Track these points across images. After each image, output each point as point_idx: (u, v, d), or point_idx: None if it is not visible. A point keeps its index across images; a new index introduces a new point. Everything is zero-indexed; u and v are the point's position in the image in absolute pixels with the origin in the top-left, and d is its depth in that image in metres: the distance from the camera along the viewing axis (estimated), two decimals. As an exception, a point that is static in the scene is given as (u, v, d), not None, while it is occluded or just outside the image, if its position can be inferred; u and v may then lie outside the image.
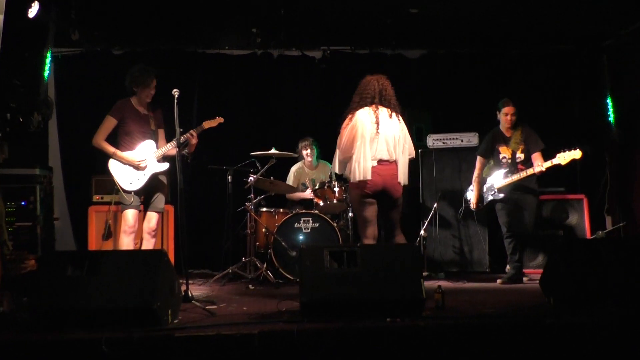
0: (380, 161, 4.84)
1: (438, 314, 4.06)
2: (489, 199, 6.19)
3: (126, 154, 5.25)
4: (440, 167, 7.03)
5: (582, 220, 6.74)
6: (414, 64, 8.03)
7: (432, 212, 6.78)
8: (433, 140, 7.05)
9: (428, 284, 5.11)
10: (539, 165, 5.85)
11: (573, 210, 6.79)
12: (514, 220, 6.05)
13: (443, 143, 7.04)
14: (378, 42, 7.84)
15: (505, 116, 6.11)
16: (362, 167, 4.80)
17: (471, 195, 6.37)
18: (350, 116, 4.94)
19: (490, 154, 6.24)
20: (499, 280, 6.03)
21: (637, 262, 4.00)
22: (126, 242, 5.19)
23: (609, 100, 7.64)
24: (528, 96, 7.54)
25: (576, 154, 5.73)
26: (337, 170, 5.07)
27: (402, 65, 7.96)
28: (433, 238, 6.85)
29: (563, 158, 5.76)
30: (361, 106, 4.92)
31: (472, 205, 6.33)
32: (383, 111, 4.91)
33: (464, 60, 7.99)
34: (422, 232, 6.67)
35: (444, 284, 5.77)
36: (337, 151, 5.00)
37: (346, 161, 4.95)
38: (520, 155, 6.09)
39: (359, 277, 3.89)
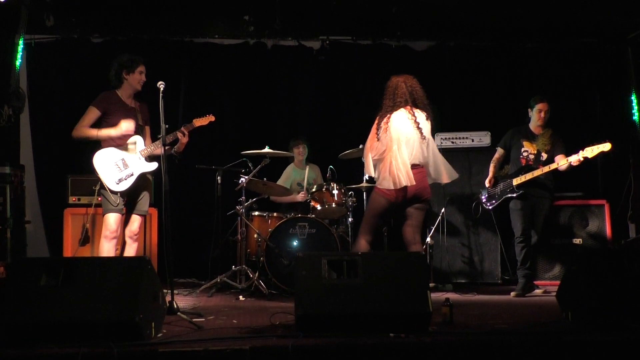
0: (413, 166, 4.95)
1: (446, 330, 4.06)
2: (504, 197, 6.23)
3: (111, 130, 5.21)
4: (449, 169, 7.02)
5: (603, 227, 6.76)
6: (421, 57, 8.05)
7: (440, 218, 6.79)
8: (441, 140, 7.06)
9: (435, 296, 5.12)
10: (565, 160, 5.92)
11: (593, 216, 6.81)
12: (527, 223, 6.14)
13: (452, 143, 7.06)
14: (382, 32, 7.87)
15: (538, 113, 6.26)
16: (398, 175, 4.86)
17: (485, 192, 6.47)
18: (385, 119, 4.99)
19: (510, 148, 6.38)
20: (512, 293, 6.05)
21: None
22: (107, 249, 5.19)
23: (633, 98, 7.67)
24: (545, 93, 7.55)
25: (605, 146, 5.77)
26: (371, 173, 5.09)
27: (408, 57, 7.98)
28: (440, 246, 6.86)
29: (590, 151, 5.81)
30: (396, 109, 5.00)
31: (487, 182, 6.38)
32: (419, 114, 5.02)
33: (476, 53, 8.01)
34: (428, 239, 6.69)
35: (452, 296, 5.78)
36: (369, 153, 5.06)
37: (377, 163, 5.02)
38: (544, 155, 6.20)
39: (360, 288, 3.89)
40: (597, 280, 4.02)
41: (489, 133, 7.08)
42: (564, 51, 7.94)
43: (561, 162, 5.95)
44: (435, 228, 6.78)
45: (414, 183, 4.87)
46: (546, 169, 6.01)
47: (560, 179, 6.24)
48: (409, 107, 5.00)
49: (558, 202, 6.77)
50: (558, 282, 4.65)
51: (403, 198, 4.95)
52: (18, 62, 7.02)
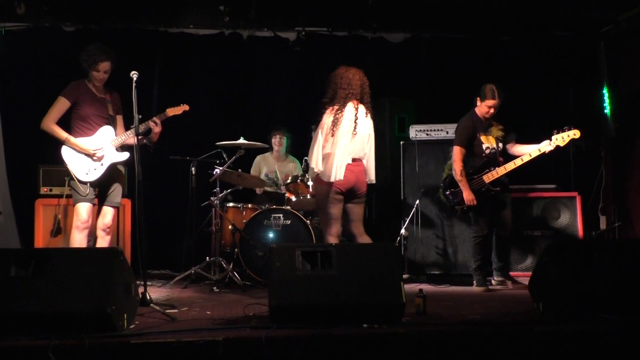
0: (353, 159, 5.15)
1: (419, 320, 4.09)
2: (479, 197, 5.92)
3: (81, 141, 5.18)
4: (424, 161, 7.06)
5: (574, 219, 6.84)
6: (397, 49, 8.06)
7: (414, 209, 6.82)
8: (416, 132, 7.09)
9: (409, 287, 5.14)
10: (537, 150, 5.82)
11: (565, 209, 6.89)
12: (491, 220, 6.02)
13: (427, 135, 7.08)
14: (358, 24, 7.86)
15: (488, 108, 5.98)
16: (339, 166, 5.05)
17: (454, 195, 6.07)
18: (339, 110, 5.08)
19: (469, 144, 6.06)
20: (480, 289, 5.92)
21: (632, 265, 4.08)
22: (78, 239, 5.13)
23: (605, 91, 7.77)
24: (519, 86, 7.63)
25: (574, 133, 5.76)
26: (318, 166, 5.09)
27: (384, 49, 7.99)
28: (415, 238, 6.89)
29: (561, 139, 5.79)
30: (348, 101, 5.11)
31: (470, 202, 5.91)
32: (361, 109, 5.18)
33: (451, 45, 8.04)
34: (402, 231, 6.72)
35: (426, 287, 5.82)
36: (318, 145, 5.08)
37: (325, 157, 5.10)
38: (499, 146, 6.06)
39: (334, 279, 3.89)
40: (568, 271, 4.07)
41: (464, 125, 7.10)
42: (538, 44, 8.00)
43: (533, 153, 5.84)
44: (409, 220, 6.81)
45: (342, 178, 5.05)
46: (519, 162, 5.86)
47: (534, 172, 6.28)
48: (355, 101, 5.13)
49: (531, 194, 6.84)
50: (530, 273, 4.70)
51: (345, 188, 5.11)
52: (-13, 51, 6.92)
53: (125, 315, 3.75)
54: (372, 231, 7.37)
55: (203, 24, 7.73)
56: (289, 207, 6.39)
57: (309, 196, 6.42)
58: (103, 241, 5.30)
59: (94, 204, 5.25)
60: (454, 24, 7.73)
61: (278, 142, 7.29)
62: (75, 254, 4.05)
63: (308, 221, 6.31)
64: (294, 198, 6.47)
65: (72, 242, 5.16)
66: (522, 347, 3.59)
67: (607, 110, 7.72)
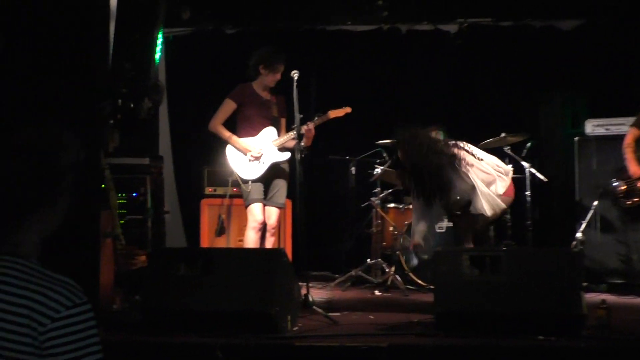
0: None
1: (602, 334, 3.82)
2: None
3: (242, 140, 5.39)
4: (602, 158, 6.60)
5: None
6: (568, 37, 7.63)
7: (591, 212, 6.41)
8: (593, 127, 6.66)
9: (588, 297, 4.84)
10: None
11: None
12: None
13: (605, 130, 6.63)
14: (524, 12, 7.54)
15: None
16: None
17: (620, 184, 5.67)
18: None
19: None
20: None
21: None
22: (254, 239, 5.34)
23: None
24: None
25: None
26: None
27: (553, 38, 7.60)
28: (592, 243, 6.48)
29: None
30: None
31: (634, 172, 5.52)
32: None
33: (631, 32, 7.47)
34: (578, 234, 6.34)
35: (608, 298, 5.43)
36: None
37: None
38: None
39: (504, 286, 3.77)
40: None
41: (648, 117, 6.59)
42: None
43: None
44: (586, 223, 6.39)
45: None
46: None
47: None
48: None
49: None
50: None
51: None
52: (157, 56, 7.34)
53: (288, 316, 3.83)
54: (539, 234, 7.07)
55: (361, 20, 7.76)
56: (452, 208, 6.23)
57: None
58: (267, 242, 5.47)
59: (264, 204, 5.43)
60: (634, 7, 7.19)
61: None
62: (239, 254, 4.21)
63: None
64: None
65: (247, 241, 5.37)
66: None
67: None
